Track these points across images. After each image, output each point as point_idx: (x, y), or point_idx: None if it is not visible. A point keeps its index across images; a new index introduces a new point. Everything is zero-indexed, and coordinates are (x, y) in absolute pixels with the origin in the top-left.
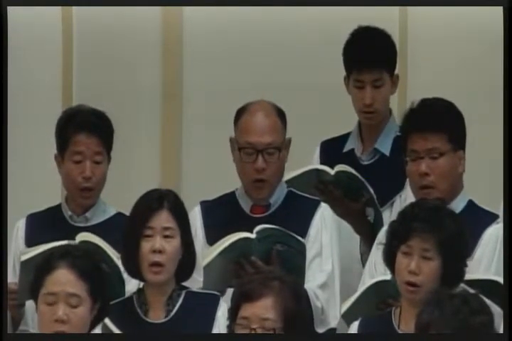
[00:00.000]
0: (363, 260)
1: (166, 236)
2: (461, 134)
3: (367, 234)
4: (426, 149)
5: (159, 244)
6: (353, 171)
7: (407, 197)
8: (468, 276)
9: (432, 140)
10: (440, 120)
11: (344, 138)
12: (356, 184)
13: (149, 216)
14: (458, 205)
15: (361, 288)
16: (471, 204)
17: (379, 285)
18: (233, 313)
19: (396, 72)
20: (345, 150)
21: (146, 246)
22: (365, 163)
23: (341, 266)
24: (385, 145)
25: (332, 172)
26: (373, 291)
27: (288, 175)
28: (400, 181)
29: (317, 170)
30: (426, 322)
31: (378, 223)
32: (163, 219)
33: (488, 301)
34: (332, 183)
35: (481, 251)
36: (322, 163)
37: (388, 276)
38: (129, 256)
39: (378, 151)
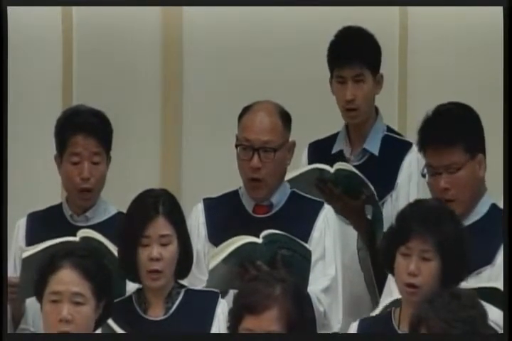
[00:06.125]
0: (360, 256)
1: (163, 244)
2: (479, 138)
3: (364, 230)
4: (443, 165)
5: (156, 252)
6: (353, 169)
7: (398, 196)
8: (469, 285)
9: (448, 155)
10: (455, 131)
11: (332, 139)
12: (355, 181)
13: (145, 225)
14: (481, 209)
15: None
16: (494, 207)
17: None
18: (235, 321)
19: (381, 71)
20: (333, 151)
21: (143, 253)
22: (355, 163)
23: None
24: (373, 145)
25: (332, 170)
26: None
27: (289, 175)
28: (391, 181)
29: (318, 169)
30: (416, 317)
31: (377, 219)
32: (159, 226)
33: (486, 305)
34: (331, 181)
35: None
36: (310, 164)
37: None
38: (126, 263)
39: (367, 151)
